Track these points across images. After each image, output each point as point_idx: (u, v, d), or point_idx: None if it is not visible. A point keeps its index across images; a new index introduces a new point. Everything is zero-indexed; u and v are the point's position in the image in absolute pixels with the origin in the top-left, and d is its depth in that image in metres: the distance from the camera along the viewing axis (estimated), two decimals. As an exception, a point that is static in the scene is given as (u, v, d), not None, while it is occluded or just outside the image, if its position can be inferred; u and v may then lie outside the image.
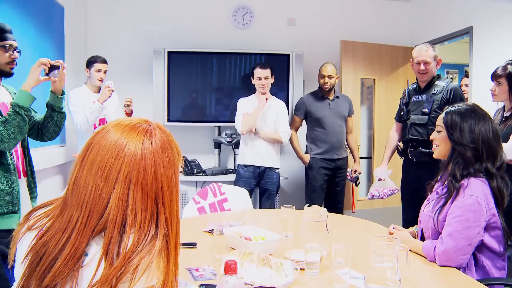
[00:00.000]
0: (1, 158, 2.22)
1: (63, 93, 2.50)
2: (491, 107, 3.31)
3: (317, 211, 2.13)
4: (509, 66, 2.83)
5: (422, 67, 3.34)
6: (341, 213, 4.36)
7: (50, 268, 0.96)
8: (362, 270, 1.73)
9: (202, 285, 1.63)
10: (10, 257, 1.09)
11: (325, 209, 2.13)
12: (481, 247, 1.94)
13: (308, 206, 2.16)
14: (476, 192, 1.90)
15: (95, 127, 3.74)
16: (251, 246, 1.98)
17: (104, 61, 3.83)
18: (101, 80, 3.79)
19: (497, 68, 2.88)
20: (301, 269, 1.79)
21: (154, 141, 1.06)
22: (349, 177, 4.36)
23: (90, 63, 3.82)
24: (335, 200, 4.34)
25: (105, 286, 0.92)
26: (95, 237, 0.98)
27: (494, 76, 2.88)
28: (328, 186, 4.30)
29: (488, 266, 1.96)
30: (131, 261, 0.94)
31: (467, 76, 4.69)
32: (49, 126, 2.49)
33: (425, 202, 2.20)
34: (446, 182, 2.05)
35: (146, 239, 0.99)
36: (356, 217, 3.09)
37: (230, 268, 1.19)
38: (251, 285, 1.62)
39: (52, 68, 2.37)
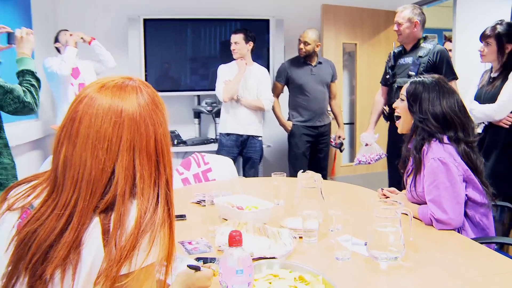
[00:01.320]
0: (0, 132, 2.19)
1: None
2: (476, 71, 3.28)
3: (312, 177, 2.06)
4: (498, 26, 2.78)
5: (395, 27, 3.32)
6: (325, 179, 4.33)
7: (44, 257, 0.85)
8: (363, 236, 1.68)
9: (198, 258, 1.55)
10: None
11: (320, 174, 2.06)
12: (468, 203, 1.92)
13: (302, 172, 2.08)
14: (438, 153, 1.89)
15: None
16: (244, 215, 1.91)
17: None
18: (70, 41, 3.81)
19: (486, 28, 2.84)
20: (299, 237, 1.73)
21: (144, 98, 0.96)
22: (333, 143, 4.31)
23: (57, 37, 3.91)
24: (318, 167, 4.28)
25: (116, 266, 0.83)
26: (97, 214, 0.88)
27: (483, 37, 2.83)
28: (311, 153, 4.25)
29: (483, 222, 1.94)
30: (144, 233, 0.86)
31: (449, 40, 4.63)
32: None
33: (405, 175, 2.16)
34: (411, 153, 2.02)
35: (151, 207, 0.91)
36: (340, 182, 3.04)
37: (235, 240, 1.11)
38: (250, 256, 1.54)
39: (10, 35, 2.34)
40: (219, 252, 1.62)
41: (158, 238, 0.88)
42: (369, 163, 3.59)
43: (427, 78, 2.07)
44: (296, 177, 2.29)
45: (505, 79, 2.73)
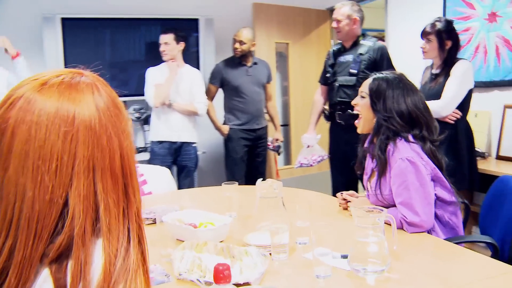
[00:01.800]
0: None
1: None
2: (410, 68, 3.28)
3: (271, 186, 1.87)
4: (437, 23, 2.77)
5: (334, 24, 3.23)
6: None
7: None
8: (338, 248, 1.51)
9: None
10: None
11: (280, 182, 1.87)
12: (437, 202, 1.83)
13: (262, 180, 1.89)
14: (405, 153, 1.77)
15: None
16: (201, 234, 1.67)
17: None
18: None
19: (426, 25, 2.82)
20: (269, 254, 1.53)
21: (103, 99, 0.71)
22: (270, 146, 4.16)
23: None
24: (256, 172, 4.11)
25: None
26: (45, 265, 0.61)
27: (424, 34, 2.81)
28: (249, 158, 4.07)
29: (452, 220, 1.86)
30: (116, 286, 0.61)
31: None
32: None
33: (365, 177, 2.05)
34: (373, 155, 1.90)
35: (122, 248, 0.67)
36: (284, 187, 2.88)
37: (223, 276, 0.88)
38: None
39: None
40: (181, 282, 1.37)
41: None
42: (311, 165, 3.46)
43: (389, 74, 1.96)
44: (239, 184, 2.12)
45: (447, 75, 2.72)
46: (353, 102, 2.03)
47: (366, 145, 2.04)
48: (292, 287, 1.30)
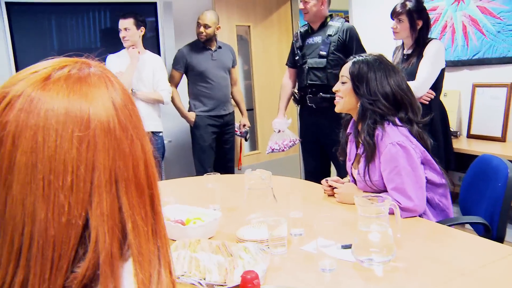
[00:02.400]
0: None
1: None
2: (376, 49, 3.27)
3: (259, 176, 1.79)
4: (408, 3, 2.75)
5: (301, 5, 3.16)
6: (232, 172, 4.09)
7: None
8: (335, 238, 1.45)
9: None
10: None
11: (270, 172, 1.80)
12: (427, 185, 1.82)
13: (251, 170, 1.81)
14: (395, 137, 1.74)
15: None
16: (191, 231, 1.58)
17: None
18: None
19: (396, 5, 2.79)
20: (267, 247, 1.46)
21: (119, 94, 0.60)
22: (238, 132, 4.07)
23: None
24: (225, 159, 4.03)
25: None
26: None
27: (394, 13, 2.79)
28: (217, 145, 3.97)
29: (443, 202, 1.86)
30: None
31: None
32: None
33: (348, 163, 2.01)
34: (360, 140, 1.86)
35: (155, 272, 0.58)
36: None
37: (252, 286, 0.80)
38: (222, 286, 1.23)
39: None
40: (179, 286, 1.28)
41: None
42: (283, 150, 3.41)
43: (369, 56, 1.91)
44: (206, 173, 2.06)
45: (420, 55, 2.71)
46: (334, 89, 1.96)
47: (349, 130, 2.00)
48: (298, 283, 1.24)
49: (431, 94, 2.71)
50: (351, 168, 1.99)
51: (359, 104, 1.85)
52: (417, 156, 1.74)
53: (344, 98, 1.91)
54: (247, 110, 4.72)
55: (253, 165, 4.55)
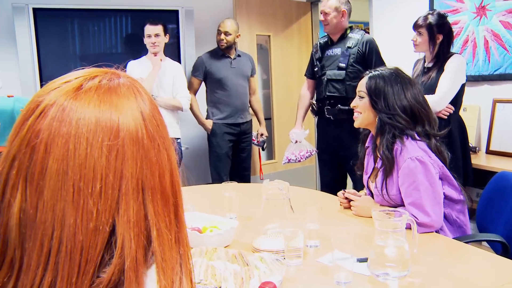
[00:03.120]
0: None
1: None
2: (396, 61, 3.26)
3: (277, 187, 1.81)
4: (429, 16, 2.74)
5: (321, 17, 3.17)
6: (248, 181, 4.10)
7: None
8: (350, 251, 1.45)
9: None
10: None
11: (287, 183, 1.81)
12: (445, 200, 1.81)
13: (269, 180, 1.82)
14: (414, 152, 1.74)
15: None
16: (208, 240, 1.60)
17: None
18: None
19: (418, 18, 2.79)
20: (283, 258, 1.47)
21: (147, 104, 0.62)
22: (255, 142, 4.09)
23: None
24: (241, 167, 4.05)
25: None
26: None
27: (416, 26, 2.79)
28: (233, 153, 3.99)
29: (460, 219, 1.85)
30: None
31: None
32: None
33: (365, 176, 2.01)
34: (379, 154, 1.86)
35: (177, 279, 0.59)
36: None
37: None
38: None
39: None
40: (195, 292, 1.30)
41: None
42: (299, 161, 3.41)
43: (385, 70, 1.92)
44: (223, 181, 2.07)
45: (440, 69, 2.70)
46: (352, 104, 1.97)
47: (367, 144, 2.00)
48: (313, 295, 1.25)
49: (450, 108, 2.70)
50: (368, 181, 1.99)
51: (377, 118, 1.85)
52: (435, 171, 1.74)
53: (363, 114, 1.91)
54: (265, 119, 4.75)
55: (269, 174, 4.57)
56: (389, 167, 1.80)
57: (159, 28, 3.44)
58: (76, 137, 0.54)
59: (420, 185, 1.70)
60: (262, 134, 4.12)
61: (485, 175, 2.66)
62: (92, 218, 0.54)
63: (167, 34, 3.52)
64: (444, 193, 1.78)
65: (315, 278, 1.39)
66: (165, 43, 3.58)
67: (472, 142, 3.22)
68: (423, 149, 1.76)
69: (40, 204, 0.53)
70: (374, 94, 1.85)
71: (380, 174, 1.86)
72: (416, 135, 1.80)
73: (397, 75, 1.87)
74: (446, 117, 2.69)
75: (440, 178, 1.78)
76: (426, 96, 2.61)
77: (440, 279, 1.34)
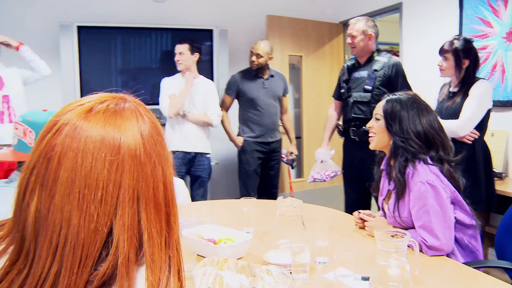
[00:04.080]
0: None
1: None
2: (425, 84, 3.29)
3: (291, 204, 1.87)
4: (455, 41, 2.77)
5: (349, 40, 3.24)
6: (275, 198, 4.16)
7: None
8: (356, 269, 1.51)
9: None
10: None
11: (301, 200, 1.88)
12: (456, 225, 1.83)
13: (282, 198, 1.89)
14: (426, 176, 1.77)
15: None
16: (221, 251, 1.68)
17: None
18: None
19: (445, 43, 2.82)
20: (289, 272, 1.53)
21: (147, 125, 0.72)
22: (284, 159, 4.16)
23: None
24: (269, 185, 4.13)
25: None
26: None
27: (442, 51, 2.82)
28: (262, 170, 4.08)
29: (472, 244, 1.86)
30: None
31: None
32: None
33: (380, 198, 2.05)
34: (392, 177, 1.90)
35: (164, 277, 0.68)
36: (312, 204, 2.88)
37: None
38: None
39: None
40: (202, 300, 1.38)
41: None
42: (324, 180, 3.46)
43: (402, 95, 1.97)
44: (250, 197, 2.13)
45: (465, 94, 2.72)
46: (368, 125, 2.03)
47: (382, 166, 2.05)
48: (314, 309, 1.31)
49: (475, 134, 2.70)
50: (383, 203, 2.04)
51: (391, 141, 1.90)
52: (446, 195, 1.76)
53: (378, 135, 1.97)
54: (296, 138, 4.83)
55: (298, 192, 4.63)
56: (401, 189, 1.84)
57: (183, 47, 3.59)
58: (83, 152, 0.65)
59: (430, 209, 1.73)
60: (292, 153, 4.19)
61: (511, 201, 2.63)
62: (93, 220, 0.64)
63: (196, 53, 3.65)
64: (455, 217, 1.80)
65: (319, 293, 1.45)
66: (199, 61, 3.72)
67: (498, 167, 3.19)
68: (435, 173, 1.79)
69: (52, 206, 0.64)
70: (390, 117, 1.91)
71: (393, 196, 1.90)
72: (429, 159, 1.83)
73: (414, 101, 1.92)
74: (470, 142, 2.70)
75: (452, 203, 1.80)
76: (450, 121, 2.65)
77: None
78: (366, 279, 1.47)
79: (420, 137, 1.84)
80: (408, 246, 1.49)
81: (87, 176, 0.65)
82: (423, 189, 1.75)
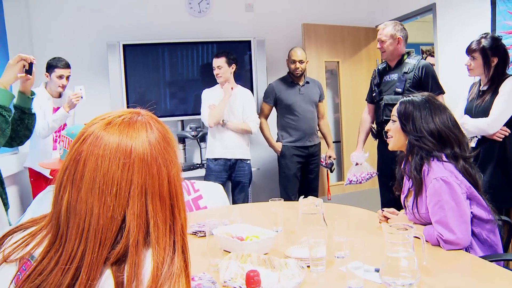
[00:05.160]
0: None
1: (32, 93, 2.29)
2: (462, 84, 3.29)
3: (313, 203, 2.00)
4: (483, 40, 2.79)
5: (378, 44, 3.32)
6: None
7: None
8: (372, 262, 1.61)
9: (203, 296, 1.46)
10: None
11: (321, 200, 2.00)
12: (474, 220, 1.88)
13: (303, 197, 2.02)
14: (440, 173, 1.85)
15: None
16: (247, 247, 1.82)
17: (67, 66, 3.48)
18: (63, 87, 3.50)
19: (472, 42, 2.84)
20: (307, 266, 1.66)
21: (155, 135, 0.88)
22: (323, 163, 4.26)
23: (50, 67, 3.45)
24: (309, 188, 4.23)
25: None
26: (108, 266, 0.79)
27: (469, 51, 2.84)
28: (301, 174, 4.20)
29: (491, 238, 1.90)
30: (162, 287, 0.77)
31: (431, 55, 4.67)
32: (19, 130, 2.26)
33: (402, 196, 2.13)
34: (409, 175, 1.99)
35: (168, 257, 0.83)
36: (333, 203, 2.98)
37: (253, 281, 1.03)
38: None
39: (31, 65, 2.16)
40: (225, 288, 1.54)
41: None
42: (360, 182, 3.54)
43: (416, 96, 2.06)
44: (291, 200, 2.24)
45: (495, 92, 2.73)
46: (386, 128, 2.13)
47: (403, 166, 2.13)
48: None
49: (506, 131, 2.71)
50: (405, 200, 2.11)
51: (407, 141, 1.99)
52: (461, 191, 1.82)
53: (394, 137, 2.07)
54: (335, 142, 4.92)
55: (338, 195, 4.71)
56: (417, 187, 1.92)
57: (220, 61, 3.78)
58: (102, 156, 0.83)
59: (445, 204, 1.80)
60: (330, 157, 4.28)
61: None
62: (110, 210, 0.81)
63: (233, 64, 3.83)
64: (472, 212, 1.86)
65: (332, 283, 1.57)
66: (236, 72, 3.91)
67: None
68: (449, 170, 1.86)
69: (79, 198, 0.82)
70: (404, 118, 2.00)
71: (412, 194, 1.98)
72: (444, 156, 1.90)
73: (426, 101, 2.01)
74: (501, 139, 2.70)
75: (468, 198, 1.86)
76: (480, 119, 2.68)
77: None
78: (379, 270, 1.56)
79: (433, 135, 1.92)
80: (418, 238, 1.59)
81: (105, 175, 0.82)
82: (438, 185, 1.82)
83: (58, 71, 3.44)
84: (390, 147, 2.11)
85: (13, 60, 2.12)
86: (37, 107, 3.24)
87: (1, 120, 2.01)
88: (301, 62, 4.04)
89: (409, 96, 2.06)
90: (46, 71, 3.47)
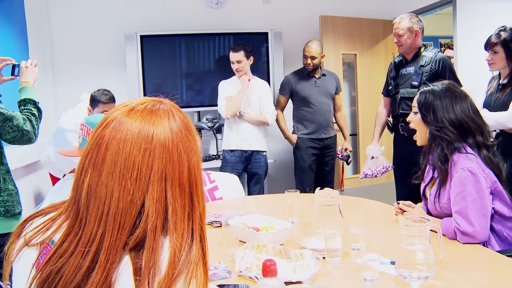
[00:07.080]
0: (1, 158, 2.14)
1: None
2: (481, 77, 3.25)
3: (329, 195, 2.00)
4: (502, 33, 2.75)
5: (395, 39, 3.27)
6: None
7: None
8: (387, 255, 1.62)
9: (219, 285, 1.48)
10: (5, 277, 0.92)
11: (337, 191, 2.00)
12: (495, 216, 1.86)
13: (319, 189, 2.02)
14: (467, 164, 1.82)
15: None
16: (262, 237, 1.84)
17: (111, 100, 3.25)
18: None
19: (490, 36, 2.80)
20: (322, 258, 1.67)
21: (177, 123, 0.89)
22: (339, 156, 4.26)
23: (94, 101, 3.22)
24: (324, 180, 4.23)
25: None
26: (127, 252, 0.81)
27: (489, 45, 2.80)
28: (317, 166, 4.20)
29: (511, 236, 1.88)
30: (180, 275, 0.79)
31: (449, 47, 4.61)
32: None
33: (423, 184, 2.11)
34: (434, 166, 1.96)
35: (186, 244, 0.84)
36: (348, 195, 2.98)
37: (270, 270, 1.04)
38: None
39: (14, 66, 2.35)
40: (240, 278, 1.55)
41: (194, 279, 0.81)
42: (375, 176, 3.53)
43: (437, 85, 2.03)
44: (306, 192, 2.24)
45: (515, 85, 2.70)
46: (407, 119, 2.11)
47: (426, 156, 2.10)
48: (341, 287, 1.43)
49: (525, 125, 2.67)
50: (425, 189, 2.10)
51: (428, 131, 1.98)
52: (486, 185, 1.80)
53: (418, 130, 2.06)
54: (352, 135, 4.90)
55: (354, 188, 4.70)
56: (442, 177, 1.91)
57: (239, 55, 3.77)
58: (124, 141, 0.84)
59: (468, 196, 1.78)
60: (346, 149, 4.28)
61: None
62: (130, 194, 0.83)
63: (250, 57, 3.83)
64: (494, 208, 1.83)
65: (347, 274, 1.57)
66: (253, 63, 3.91)
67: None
68: (477, 162, 1.84)
69: (99, 182, 0.84)
70: (424, 108, 1.98)
71: (436, 183, 1.97)
72: (467, 147, 1.88)
73: (447, 90, 1.98)
74: (520, 133, 2.67)
75: (492, 193, 1.84)
76: (499, 113, 2.65)
77: (462, 285, 1.44)
78: (394, 263, 1.57)
79: (454, 125, 1.90)
80: (434, 231, 1.59)
81: (126, 159, 0.83)
82: (463, 175, 1.80)
83: (102, 107, 3.20)
84: (418, 143, 2.09)
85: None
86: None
87: (39, 113, 2.25)
88: (312, 58, 4.02)
89: (430, 86, 2.03)
90: (90, 105, 3.25)
